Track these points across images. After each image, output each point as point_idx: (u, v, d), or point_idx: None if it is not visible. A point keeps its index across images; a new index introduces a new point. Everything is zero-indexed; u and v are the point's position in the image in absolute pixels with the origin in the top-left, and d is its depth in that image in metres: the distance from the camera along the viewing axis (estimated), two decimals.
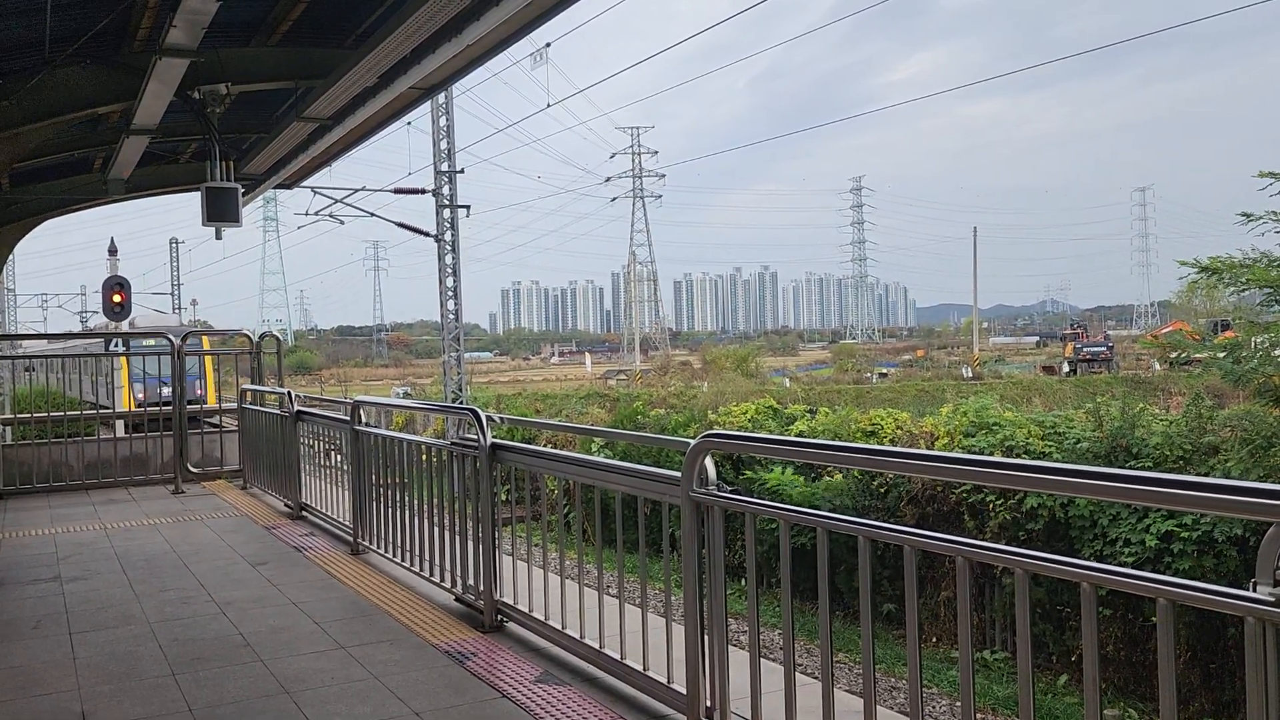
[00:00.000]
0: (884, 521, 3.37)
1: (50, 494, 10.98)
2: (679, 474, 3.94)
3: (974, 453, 13.92)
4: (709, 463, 3.88)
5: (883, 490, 14.99)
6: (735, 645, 3.98)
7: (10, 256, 14.84)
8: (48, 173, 12.10)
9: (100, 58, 7.64)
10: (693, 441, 3.94)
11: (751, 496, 4.04)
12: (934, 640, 13.39)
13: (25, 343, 30.30)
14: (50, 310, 70.77)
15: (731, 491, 3.83)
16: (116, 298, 20.92)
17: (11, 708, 4.51)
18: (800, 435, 17.68)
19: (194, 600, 6.34)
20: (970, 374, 57.40)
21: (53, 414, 11.90)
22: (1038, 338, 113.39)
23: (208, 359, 19.99)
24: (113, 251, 33.32)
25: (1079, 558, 2.73)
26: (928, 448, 15.81)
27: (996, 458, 11.48)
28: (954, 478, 3.35)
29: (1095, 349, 59.52)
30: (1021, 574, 2.74)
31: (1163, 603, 2.40)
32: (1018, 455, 13.86)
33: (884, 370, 66.91)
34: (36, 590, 6.71)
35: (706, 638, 3.85)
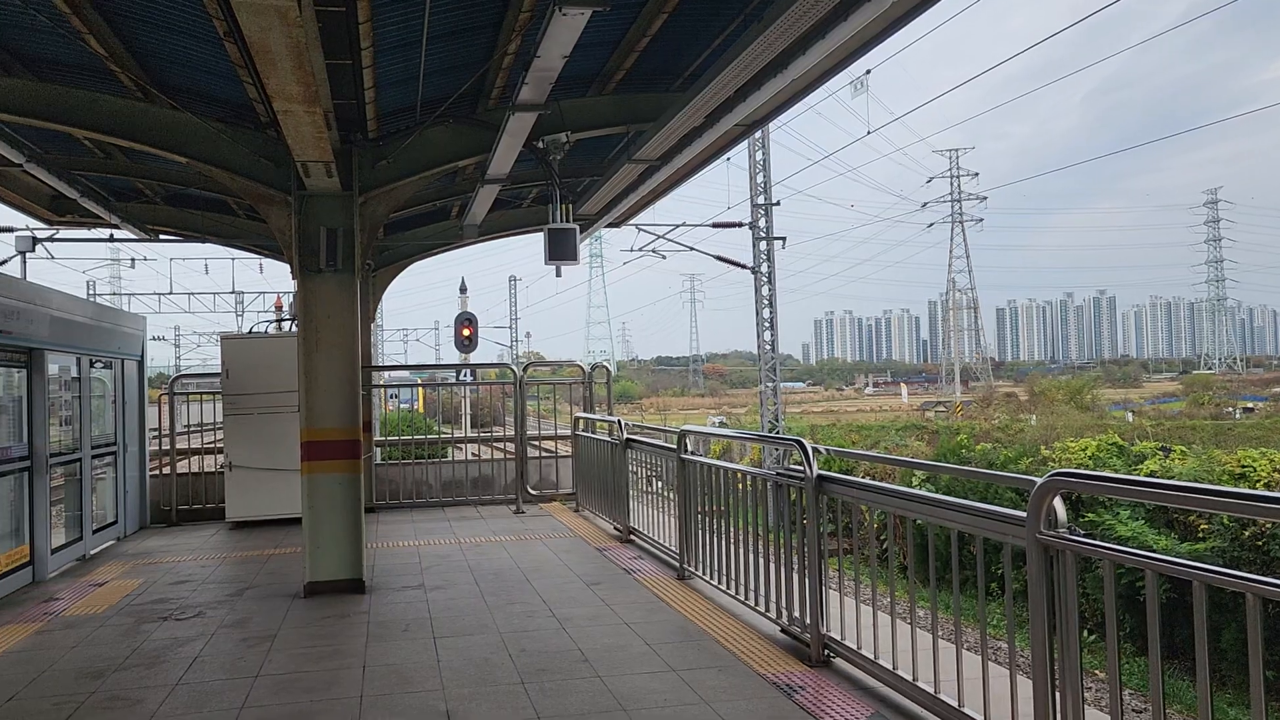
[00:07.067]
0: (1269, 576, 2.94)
1: (412, 509, 12.28)
2: (1023, 514, 3.70)
3: None
4: (1058, 503, 3.62)
5: (1258, 542, 13.21)
6: (1094, 706, 3.65)
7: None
8: (414, 221, 13.64)
9: (461, 117, 8.51)
10: (1039, 480, 3.69)
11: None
12: None
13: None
14: (410, 344, 79.61)
15: (1085, 536, 3.54)
16: (465, 331, 23.12)
17: (388, 702, 5.05)
18: (1152, 475, 16.03)
19: (537, 614, 6.79)
20: None
21: (416, 437, 13.35)
22: None
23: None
24: (463, 290, 36.58)
25: None
26: None
27: None
28: None
29: None
30: None
31: None
32: None
33: (1249, 404, 59.27)
34: (405, 597, 7.49)
35: (1058, 695, 3.56)
